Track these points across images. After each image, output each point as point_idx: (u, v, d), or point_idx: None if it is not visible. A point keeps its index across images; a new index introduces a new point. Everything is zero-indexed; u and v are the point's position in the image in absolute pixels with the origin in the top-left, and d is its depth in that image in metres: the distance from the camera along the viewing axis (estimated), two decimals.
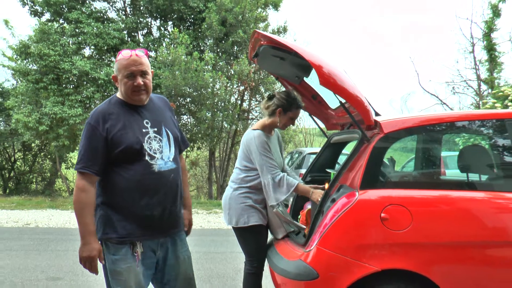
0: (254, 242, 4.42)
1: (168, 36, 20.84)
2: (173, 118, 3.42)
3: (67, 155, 22.53)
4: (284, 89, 4.75)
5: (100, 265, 3.19)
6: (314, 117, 5.24)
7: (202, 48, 20.56)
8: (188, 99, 18.75)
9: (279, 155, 4.61)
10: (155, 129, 3.18)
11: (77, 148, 19.88)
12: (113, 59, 20.74)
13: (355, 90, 3.73)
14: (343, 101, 4.02)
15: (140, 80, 3.13)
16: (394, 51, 76.71)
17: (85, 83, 18.76)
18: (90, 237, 3.00)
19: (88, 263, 3.03)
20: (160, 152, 3.14)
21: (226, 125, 19.28)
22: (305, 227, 4.33)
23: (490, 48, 22.51)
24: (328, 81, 3.54)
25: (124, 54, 3.16)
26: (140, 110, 3.21)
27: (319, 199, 3.95)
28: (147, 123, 3.17)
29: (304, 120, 27.83)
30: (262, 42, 4.08)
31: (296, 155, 17.13)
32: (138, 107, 3.22)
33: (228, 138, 21.19)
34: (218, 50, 19.92)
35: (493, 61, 22.53)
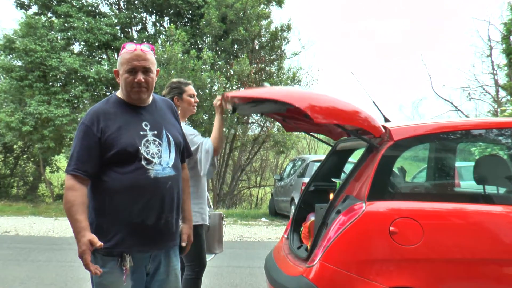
0: (195, 244, 4.45)
1: (164, 32, 20.90)
2: (176, 123, 3.41)
3: (52, 158, 22.50)
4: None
5: (88, 277, 3.17)
6: (314, 134, 5.24)
7: (200, 46, 20.59)
8: None
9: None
10: (154, 132, 3.17)
11: (63, 151, 19.88)
12: (104, 56, 20.77)
13: (353, 108, 3.71)
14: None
15: (141, 77, 3.13)
16: (404, 54, 76.69)
17: (73, 81, 18.79)
18: (83, 233, 2.94)
19: (83, 261, 2.96)
20: (159, 157, 3.12)
21: (224, 129, 19.28)
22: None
23: (510, 52, 22.50)
24: (322, 117, 3.54)
25: (128, 47, 3.16)
26: (139, 111, 3.20)
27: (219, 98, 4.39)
28: (146, 125, 3.16)
29: None
30: (236, 101, 4.12)
31: (299, 162, 17.13)
32: (138, 107, 3.21)
33: (226, 143, 21.19)
34: (217, 48, 19.95)
35: None
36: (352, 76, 3.99)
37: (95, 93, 19.23)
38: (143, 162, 3.06)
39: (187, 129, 4.47)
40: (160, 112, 3.32)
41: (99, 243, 2.91)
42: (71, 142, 20.47)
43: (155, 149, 3.12)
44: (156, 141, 3.15)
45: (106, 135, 3.04)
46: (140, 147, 3.07)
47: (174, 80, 4.81)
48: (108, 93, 19.76)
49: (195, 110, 4.78)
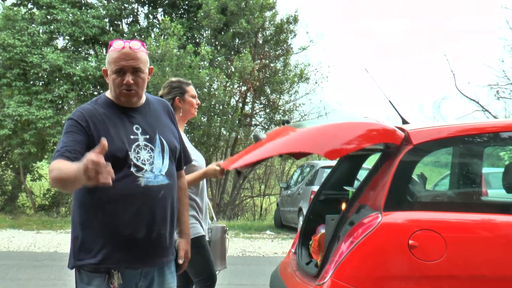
0: (201, 256, 4.45)
1: (158, 25, 20.93)
2: (173, 126, 3.41)
3: (34, 164, 22.45)
4: None
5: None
6: None
7: (197, 40, 20.64)
8: None
9: (195, 151, 4.73)
10: (147, 137, 3.17)
11: (46, 156, 19.84)
12: (91, 51, 20.78)
13: (362, 128, 3.74)
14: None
15: (129, 78, 3.11)
16: (423, 49, 76.66)
17: (57, 79, 18.80)
18: (78, 165, 2.56)
19: (95, 169, 2.46)
20: (150, 164, 3.12)
21: (224, 132, 19.31)
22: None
23: None
24: (336, 153, 3.63)
25: (116, 45, 3.16)
26: (130, 113, 3.21)
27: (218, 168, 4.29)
28: (137, 128, 3.17)
29: None
30: (239, 170, 4.15)
31: (307, 169, 17.13)
32: (128, 109, 3.21)
33: (227, 148, 21.21)
34: (217, 43, 19.98)
35: None
36: (366, 73, 3.99)
37: (82, 92, 19.26)
38: (132, 169, 3.06)
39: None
40: (154, 114, 3.32)
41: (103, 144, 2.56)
42: (54, 147, 20.39)
43: (147, 155, 3.12)
44: (148, 146, 3.15)
45: (94, 138, 3.02)
46: (130, 153, 3.07)
47: (174, 79, 4.85)
48: (95, 93, 19.78)
49: (196, 113, 4.81)
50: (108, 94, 3.25)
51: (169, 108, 3.47)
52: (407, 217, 3.54)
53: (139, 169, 3.07)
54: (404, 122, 4.43)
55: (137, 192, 3.06)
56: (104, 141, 2.56)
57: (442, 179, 11.30)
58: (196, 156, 4.62)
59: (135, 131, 3.15)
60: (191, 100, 4.70)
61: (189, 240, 3.57)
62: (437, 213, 3.60)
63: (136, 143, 3.11)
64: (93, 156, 2.46)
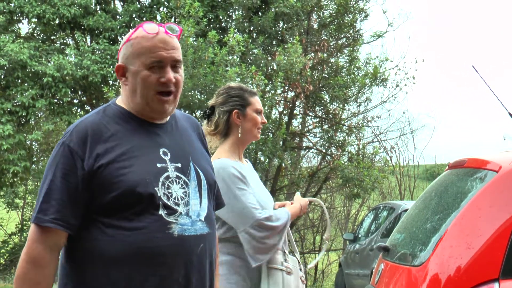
0: None
1: (166, 3, 21.11)
2: (207, 154, 3.41)
3: None
4: None
5: None
6: None
7: (223, 24, 20.76)
8: (198, 112, 18.89)
9: (266, 192, 4.82)
10: (178, 165, 3.11)
11: (2, 193, 20.12)
12: (69, 41, 21.01)
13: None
14: None
15: (171, 75, 3.10)
16: None
17: (19, 81, 19.03)
18: None
19: None
20: (185, 204, 3.06)
21: (262, 159, 19.31)
22: None
23: None
24: None
25: (148, 28, 3.10)
26: (154, 130, 3.16)
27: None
28: (165, 153, 3.10)
29: (398, 151, 27.68)
30: None
31: (385, 213, 17.07)
32: (151, 125, 3.16)
33: (266, 181, 21.21)
34: (252, 28, 20.07)
35: None
36: (474, 73, 3.93)
37: (55, 100, 19.39)
38: (162, 212, 2.97)
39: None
40: (184, 134, 3.30)
41: None
42: (15, 180, 20.72)
43: (180, 192, 3.06)
44: (181, 178, 3.09)
45: (102, 166, 2.95)
46: (157, 188, 3.00)
47: (233, 84, 4.85)
48: (76, 101, 20.00)
49: (259, 136, 4.77)
50: (120, 101, 3.19)
51: (200, 129, 3.47)
52: None
53: (172, 211, 3.00)
54: None
55: (169, 245, 2.96)
56: None
57: None
58: (262, 197, 4.67)
59: (163, 156, 3.10)
60: (254, 117, 4.67)
61: None
62: None
63: (165, 174, 3.05)
64: None
